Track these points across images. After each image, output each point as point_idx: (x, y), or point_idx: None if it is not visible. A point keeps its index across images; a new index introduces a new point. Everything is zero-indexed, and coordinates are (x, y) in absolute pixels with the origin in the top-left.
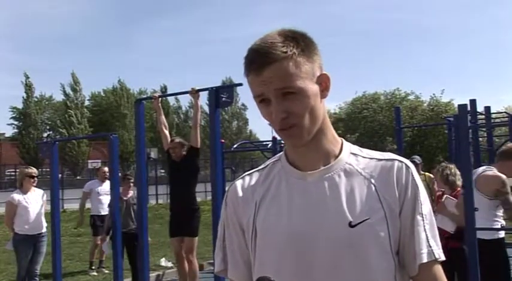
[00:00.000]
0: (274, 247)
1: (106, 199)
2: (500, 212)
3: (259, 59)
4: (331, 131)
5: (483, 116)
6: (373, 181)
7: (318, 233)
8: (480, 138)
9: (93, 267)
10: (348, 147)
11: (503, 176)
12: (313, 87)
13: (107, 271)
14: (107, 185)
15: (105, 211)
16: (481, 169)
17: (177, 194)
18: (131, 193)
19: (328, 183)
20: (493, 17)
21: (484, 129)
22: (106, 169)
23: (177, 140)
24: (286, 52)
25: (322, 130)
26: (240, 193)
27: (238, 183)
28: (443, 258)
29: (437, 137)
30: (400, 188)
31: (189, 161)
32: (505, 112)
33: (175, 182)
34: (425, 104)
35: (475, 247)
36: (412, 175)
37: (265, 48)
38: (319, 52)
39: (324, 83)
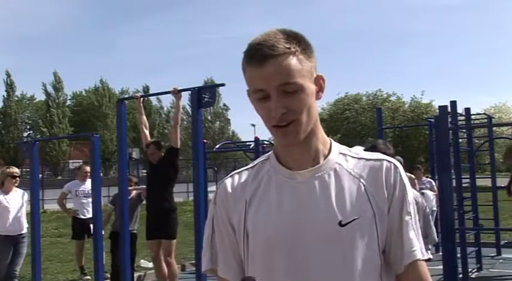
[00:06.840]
0: (265, 246)
1: (87, 201)
2: None
3: (262, 51)
4: (321, 132)
5: (463, 117)
6: (362, 180)
7: (308, 232)
8: (460, 140)
9: (85, 271)
10: (337, 147)
11: None
12: (311, 86)
13: (88, 277)
14: (87, 186)
15: (85, 214)
16: None
17: (155, 196)
18: (133, 193)
19: (318, 182)
20: (472, 20)
21: (464, 130)
22: (88, 168)
23: (152, 143)
24: (289, 48)
25: (314, 130)
26: (230, 191)
27: (228, 181)
28: (426, 257)
29: (418, 138)
30: (388, 188)
31: (167, 162)
32: (484, 113)
33: (152, 184)
34: (406, 105)
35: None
36: (400, 175)
37: (269, 42)
38: (315, 55)
39: (319, 84)
